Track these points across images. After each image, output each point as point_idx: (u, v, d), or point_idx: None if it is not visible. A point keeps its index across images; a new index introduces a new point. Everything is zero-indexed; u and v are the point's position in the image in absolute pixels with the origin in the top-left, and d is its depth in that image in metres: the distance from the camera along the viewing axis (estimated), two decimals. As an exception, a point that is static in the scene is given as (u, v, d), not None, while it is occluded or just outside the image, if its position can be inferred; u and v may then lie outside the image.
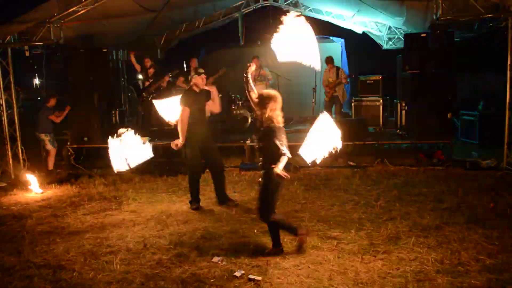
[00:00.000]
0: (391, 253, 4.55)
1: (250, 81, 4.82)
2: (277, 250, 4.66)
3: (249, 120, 11.19)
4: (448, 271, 4.12)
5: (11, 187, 7.97)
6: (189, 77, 6.40)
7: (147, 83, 10.52)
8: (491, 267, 4.17)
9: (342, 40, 13.35)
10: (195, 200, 6.42)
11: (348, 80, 11.06)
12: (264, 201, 4.58)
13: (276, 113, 4.48)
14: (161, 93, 10.78)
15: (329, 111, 10.48)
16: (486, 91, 10.97)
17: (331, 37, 13.45)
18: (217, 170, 6.54)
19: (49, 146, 8.87)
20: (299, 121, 12.01)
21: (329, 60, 10.62)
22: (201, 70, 6.41)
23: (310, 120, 9.72)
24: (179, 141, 6.10)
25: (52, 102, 9.00)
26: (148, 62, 10.57)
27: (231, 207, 6.31)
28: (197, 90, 6.28)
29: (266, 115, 4.46)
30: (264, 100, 4.49)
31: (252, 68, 5.12)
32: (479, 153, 8.77)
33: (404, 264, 4.29)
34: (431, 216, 5.64)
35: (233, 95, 11.37)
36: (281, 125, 4.53)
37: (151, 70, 10.49)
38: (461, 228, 5.18)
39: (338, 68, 10.75)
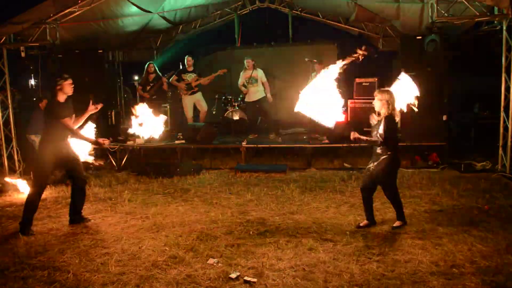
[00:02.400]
0: (386, 255, 4.57)
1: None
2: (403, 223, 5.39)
3: (245, 122, 11.20)
4: (443, 273, 4.14)
5: (6, 188, 7.92)
6: (58, 83, 5.58)
7: (148, 87, 10.57)
8: (485, 269, 4.19)
9: (338, 42, 13.36)
10: (29, 223, 5.63)
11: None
12: (390, 182, 5.32)
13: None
14: (161, 94, 10.85)
15: None
16: (482, 93, 11.02)
17: (326, 39, 13.46)
18: (78, 186, 5.87)
19: None
20: (296, 123, 12.02)
21: (318, 62, 10.57)
22: (66, 75, 5.66)
23: (306, 122, 9.76)
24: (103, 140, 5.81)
25: (44, 104, 8.98)
26: (151, 68, 10.63)
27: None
28: (62, 99, 5.62)
29: (390, 110, 5.17)
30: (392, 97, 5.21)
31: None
32: (474, 156, 8.82)
33: (399, 266, 4.30)
34: (426, 218, 5.67)
35: (229, 97, 11.37)
36: None
37: (152, 75, 10.57)
38: (456, 230, 5.21)
39: None
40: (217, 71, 10.67)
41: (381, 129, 5.14)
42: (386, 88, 5.39)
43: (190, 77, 10.51)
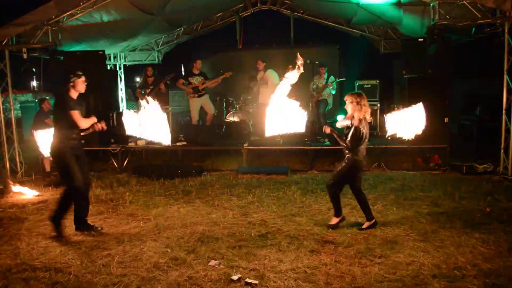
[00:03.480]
0: (388, 257, 4.56)
1: None
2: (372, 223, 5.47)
3: (248, 123, 11.20)
4: (445, 275, 4.13)
5: (8, 189, 7.93)
6: (71, 80, 5.50)
7: (147, 90, 10.61)
8: (487, 271, 4.18)
9: (339, 44, 13.39)
10: (88, 226, 5.57)
11: (335, 87, 10.82)
12: (337, 177, 5.48)
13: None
14: (160, 97, 10.87)
15: (315, 114, 10.41)
16: (483, 95, 11.02)
17: (328, 41, 13.49)
18: (87, 189, 5.68)
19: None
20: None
21: (323, 65, 10.56)
22: (80, 73, 5.58)
23: (308, 124, 9.75)
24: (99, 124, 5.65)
25: (46, 105, 9.00)
26: (150, 71, 10.67)
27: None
28: (74, 96, 5.54)
29: (362, 113, 5.29)
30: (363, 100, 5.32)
31: None
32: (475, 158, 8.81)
33: (401, 269, 4.29)
34: (428, 221, 5.66)
35: (230, 99, 11.38)
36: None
37: (151, 79, 10.59)
38: (457, 232, 5.20)
39: (329, 76, 10.68)
40: (222, 73, 10.68)
41: (349, 136, 5.31)
42: (358, 91, 5.51)
43: (197, 80, 10.56)
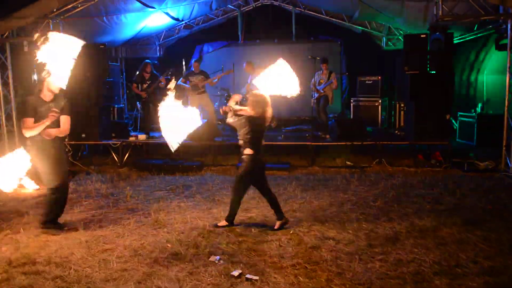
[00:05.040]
0: (389, 254, 4.55)
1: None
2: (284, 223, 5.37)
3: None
4: (446, 273, 4.11)
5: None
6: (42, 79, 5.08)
7: (144, 85, 10.51)
8: (488, 269, 4.17)
9: (341, 40, 13.33)
10: (55, 223, 5.43)
11: (337, 84, 10.76)
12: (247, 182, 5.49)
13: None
14: (160, 92, 10.81)
15: (317, 109, 10.37)
16: (485, 92, 10.99)
17: (329, 37, 13.44)
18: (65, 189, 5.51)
19: None
20: (298, 121, 12.02)
21: (324, 61, 10.50)
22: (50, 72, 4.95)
23: (309, 120, 9.76)
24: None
25: None
26: (149, 68, 10.59)
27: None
28: (45, 98, 5.14)
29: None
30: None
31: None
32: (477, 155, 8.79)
33: (402, 266, 4.28)
34: (429, 218, 5.64)
35: (231, 93, 11.35)
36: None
37: (148, 74, 10.44)
38: (459, 230, 5.19)
39: (331, 72, 10.62)
40: (223, 71, 10.64)
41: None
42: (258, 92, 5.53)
43: (197, 78, 10.52)
